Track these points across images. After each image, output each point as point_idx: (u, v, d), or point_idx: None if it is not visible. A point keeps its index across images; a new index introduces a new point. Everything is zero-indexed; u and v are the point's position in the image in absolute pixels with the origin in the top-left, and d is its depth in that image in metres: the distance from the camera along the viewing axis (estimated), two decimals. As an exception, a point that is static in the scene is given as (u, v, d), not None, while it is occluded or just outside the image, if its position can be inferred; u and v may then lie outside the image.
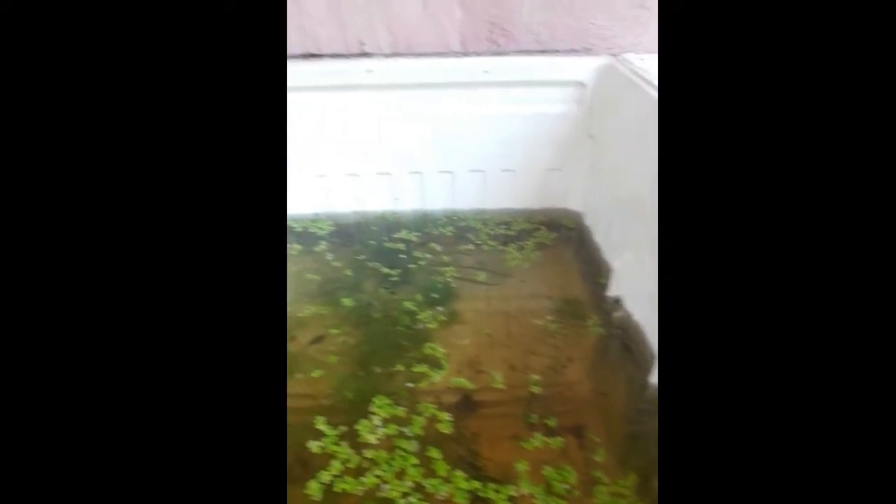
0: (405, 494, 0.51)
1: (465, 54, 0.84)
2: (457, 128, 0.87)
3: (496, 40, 0.86)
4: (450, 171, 0.91)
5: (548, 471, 0.53)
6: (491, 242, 0.87)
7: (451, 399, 0.61)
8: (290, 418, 0.58)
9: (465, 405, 0.60)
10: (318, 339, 0.69)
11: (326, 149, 0.88)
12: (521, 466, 0.53)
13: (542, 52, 0.85)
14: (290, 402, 0.60)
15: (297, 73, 0.80)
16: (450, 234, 0.89)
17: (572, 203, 0.94)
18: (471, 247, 0.86)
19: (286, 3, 0.75)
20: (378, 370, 0.64)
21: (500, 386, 0.62)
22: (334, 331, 0.70)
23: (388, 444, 0.55)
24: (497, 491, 0.51)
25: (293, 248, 0.87)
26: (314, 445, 0.55)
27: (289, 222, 0.93)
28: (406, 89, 0.83)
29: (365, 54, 0.82)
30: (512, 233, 0.90)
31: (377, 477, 0.52)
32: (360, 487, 0.51)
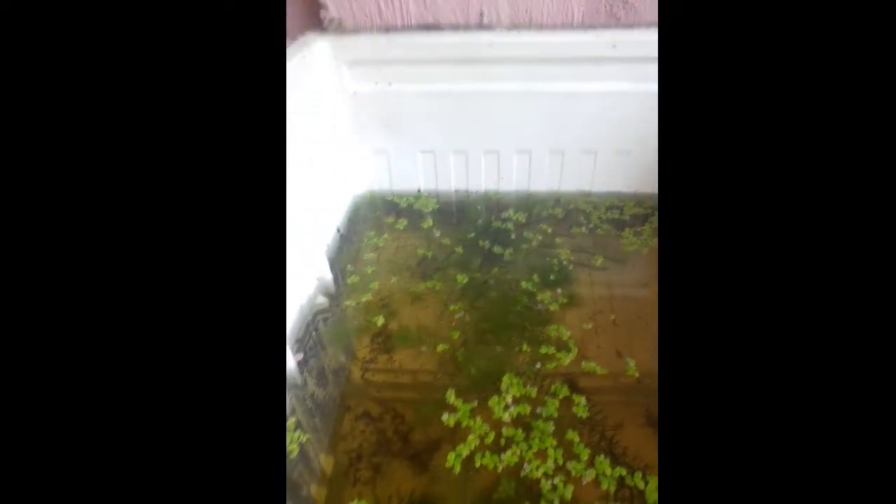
0: (548, 475, 0.49)
1: (588, 27, 0.80)
2: (571, 105, 0.83)
3: (616, 14, 0.81)
4: (560, 150, 0.88)
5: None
6: (605, 226, 0.83)
7: (583, 383, 0.58)
8: (421, 391, 0.58)
9: (599, 390, 0.58)
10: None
11: (436, 124, 0.86)
12: (669, 457, 0.50)
13: (668, 26, 0.80)
14: (418, 376, 0.60)
15: (413, 44, 0.79)
16: (559, 215, 0.87)
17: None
18: (583, 230, 0.83)
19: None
20: (500, 349, 0.63)
21: (634, 373, 0.59)
22: (453, 307, 0.69)
23: (522, 423, 0.54)
24: (646, 481, 0.48)
25: (399, 223, 0.87)
26: (449, 418, 0.54)
27: (392, 198, 0.93)
28: (524, 64, 0.80)
29: (483, 26, 0.80)
30: (625, 217, 0.86)
31: (517, 455, 0.51)
32: (500, 464, 0.50)
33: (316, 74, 0.78)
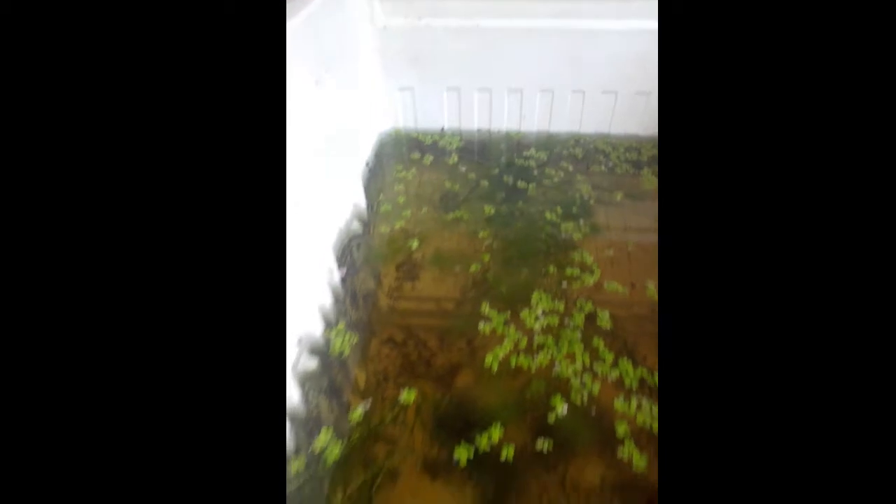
0: (577, 374, 0.55)
1: (618, -36, 0.81)
2: (595, 43, 0.84)
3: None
4: (581, 90, 0.90)
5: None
6: (624, 165, 0.87)
7: (606, 300, 0.63)
8: (460, 304, 0.63)
9: (622, 307, 0.63)
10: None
11: (462, 61, 0.88)
12: (685, 361, 0.56)
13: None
14: (454, 292, 0.65)
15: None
16: (579, 155, 0.90)
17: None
18: (603, 168, 0.87)
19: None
20: (528, 271, 0.67)
21: (654, 295, 0.64)
22: (482, 233, 0.73)
23: (552, 332, 0.59)
24: (665, 379, 0.54)
25: (426, 158, 0.90)
26: (484, 327, 0.59)
27: (416, 135, 0.96)
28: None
29: (516, -39, 0.81)
30: (644, 158, 0.89)
31: (548, 357, 0.56)
32: (534, 365, 0.55)
33: (348, 8, 0.79)
